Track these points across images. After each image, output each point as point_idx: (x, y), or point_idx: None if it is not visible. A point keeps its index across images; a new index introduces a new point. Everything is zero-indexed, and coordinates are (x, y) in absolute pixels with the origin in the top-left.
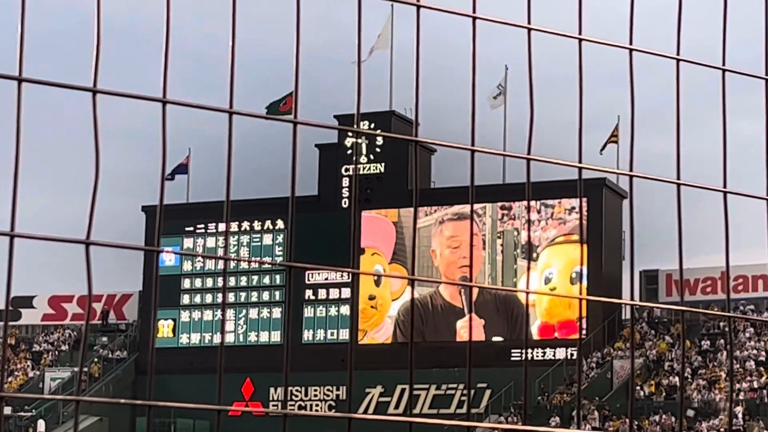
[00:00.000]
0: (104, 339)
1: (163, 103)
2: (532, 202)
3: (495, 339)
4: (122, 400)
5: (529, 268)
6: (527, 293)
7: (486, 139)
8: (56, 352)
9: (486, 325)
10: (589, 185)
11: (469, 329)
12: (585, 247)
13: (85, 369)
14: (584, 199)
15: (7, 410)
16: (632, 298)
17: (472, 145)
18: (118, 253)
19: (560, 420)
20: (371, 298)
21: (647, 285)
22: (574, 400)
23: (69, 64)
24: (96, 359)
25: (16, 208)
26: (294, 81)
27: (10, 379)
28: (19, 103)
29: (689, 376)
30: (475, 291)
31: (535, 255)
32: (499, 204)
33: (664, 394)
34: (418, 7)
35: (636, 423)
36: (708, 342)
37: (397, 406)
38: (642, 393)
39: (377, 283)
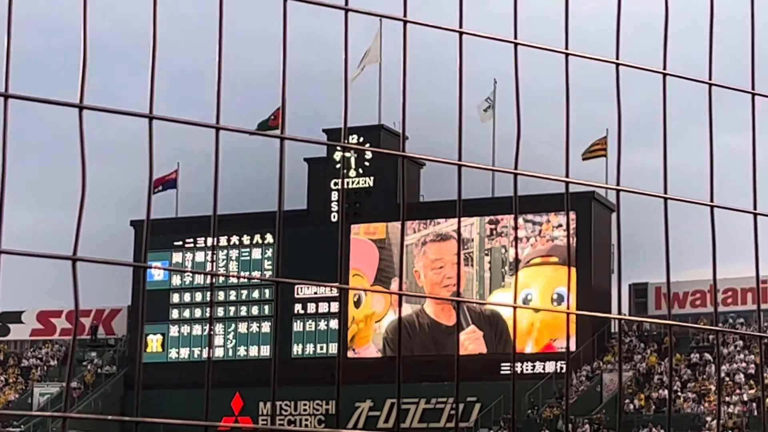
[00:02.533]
0: (93, 354)
1: (149, 119)
2: (520, 220)
3: (479, 352)
4: (109, 417)
5: (516, 283)
6: (515, 308)
7: (476, 151)
8: (45, 368)
9: (475, 339)
10: (578, 198)
11: (456, 344)
12: (573, 257)
13: (76, 383)
14: (573, 213)
15: None
16: (620, 312)
17: (459, 159)
18: (106, 268)
19: None
20: (352, 320)
21: (636, 298)
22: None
23: (56, 81)
24: (89, 370)
25: (2, 223)
26: (281, 96)
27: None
28: (5, 118)
29: (678, 389)
30: (466, 307)
31: (510, 274)
32: (488, 219)
33: (653, 407)
34: (405, 22)
35: None
36: (697, 355)
37: (386, 420)
38: (632, 406)
39: (356, 304)
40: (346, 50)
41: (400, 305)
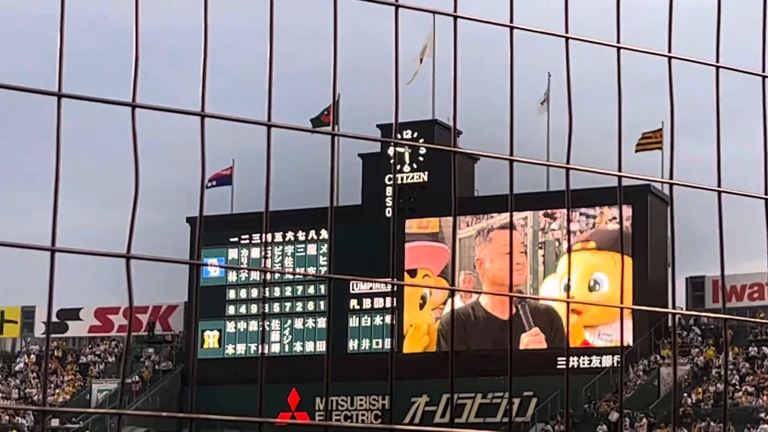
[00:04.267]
0: (150, 350)
1: (201, 117)
2: (575, 213)
3: (538, 347)
4: (164, 414)
5: (569, 276)
6: (568, 302)
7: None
8: (103, 364)
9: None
10: (633, 192)
11: (509, 339)
12: (630, 250)
13: (134, 380)
14: (629, 206)
15: (55, 422)
16: (674, 306)
17: (511, 154)
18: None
19: (607, 428)
20: (411, 326)
21: (694, 291)
22: (619, 408)
23: (109, 80)
24: (146, 367)
25: (57, 222)
26: (333, 92)
27: (57, 391)
28: (59, 118)
29: (736, 383)
30: (527, 307)
31: (554, 263)
32: (541, 212)
33: (711, 401)
34: (456, 17)
35: (686, 430)
36: (755, 348)
37: (443, 415)
38: (689, 400)
39: (421, 306)
40: (397, 46)
41: (452, 302)
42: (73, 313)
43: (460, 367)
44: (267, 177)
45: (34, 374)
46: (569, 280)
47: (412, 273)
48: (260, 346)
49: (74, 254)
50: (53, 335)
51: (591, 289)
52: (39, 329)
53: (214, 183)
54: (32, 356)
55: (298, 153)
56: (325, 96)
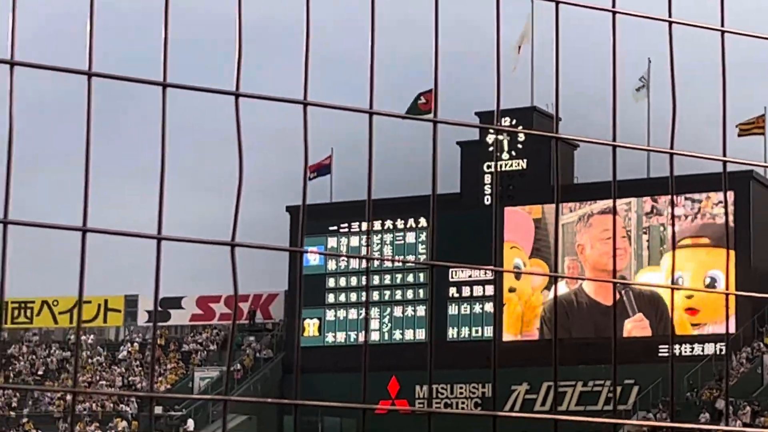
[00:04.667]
0: (251, 338)
1: (304, 105)
2: (681, 198)
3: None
4: (269, 399)
5: (674, 264)
6: (672, 289)
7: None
8: (205, 352)
9: (642, 328)
10: (736, 177)
11: (613, 325)
12: (732, 235)
13: (237, 366)
14: (731, 192)
15: (158, 410)
16: None
17: (614, 140)
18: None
19: (710, 416)
20: (511, 290)
21: None
22: (724, 396)
23: (211, 69)
24: (247, 355)
25: (163, 211)
26: (434, 79)
27: (160, 379)
28: (164, 108)
29: None
30: (631, 293)
31: (659, 256)
32: (644, 198)
33: None
34: (557, 2)
35: None
36: None
37: (543, 404)
38: None
39: (517, 277)
40: (498, 33)
41: (555, 289)
42: (176, 302)
43: (562, 355)
44: (369, 164)
45: (138, 362)
46: (673, 270)
47: (500, 247)
48: (365, 334)
49: (176, 243)
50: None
51: (709, 286)
52: (142, 318)
53: (315, 174)
54: (135, 344)
55: (395, 141)
56: (419, 84)
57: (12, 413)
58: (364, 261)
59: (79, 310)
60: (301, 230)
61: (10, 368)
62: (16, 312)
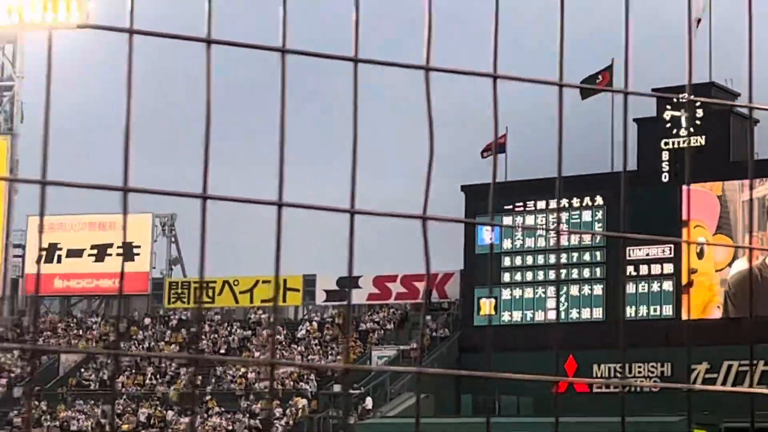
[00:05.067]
0: (428, 318)
1: (494, 78)
2: None
3: None
4: (464, 372)
5: None
6: None
7: None
8: (382, 331)
9: None
10: None
11: None
12: None
13: (413, 345)
14: None
15: (336, 387)
16: None
17: None
18: (438, 233)
19: None
20: (693, 272)
21: None
22: None
23: (399, 44)
24: (424, 334)
25: (356, 185)
26: (625, 54)
27: (338, 357)
28: (355, 84)
29: None
30: None
31: None
32: None
33: None
34: None
35: None
36: None
37: (723, 383)
38: None
39: (699, 255)
40: (690, 8)
41: (750, 261)
42: (353, 281)
43: (744, 333)
44: (559, 140)
45: (316, 341)
46: None
47: (684, 223)
48: (556, 312)
49: (358, 222)
50: (334, 303)
51: None
52: (320, 297)
53: (489, 153)
54: (314, 323)
55: (574, 118)
56: (596, 61)
57: (196, 391)
58: (539, 240)
59: (276, 283)
60: (491, 205)
61: (194, 347)
62: (198, 292)
